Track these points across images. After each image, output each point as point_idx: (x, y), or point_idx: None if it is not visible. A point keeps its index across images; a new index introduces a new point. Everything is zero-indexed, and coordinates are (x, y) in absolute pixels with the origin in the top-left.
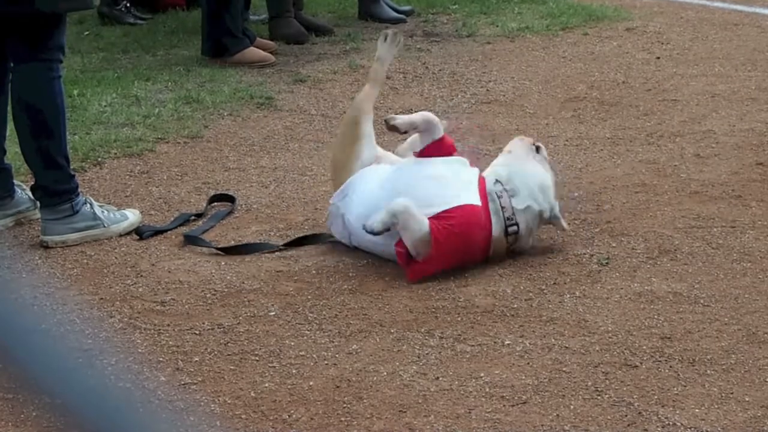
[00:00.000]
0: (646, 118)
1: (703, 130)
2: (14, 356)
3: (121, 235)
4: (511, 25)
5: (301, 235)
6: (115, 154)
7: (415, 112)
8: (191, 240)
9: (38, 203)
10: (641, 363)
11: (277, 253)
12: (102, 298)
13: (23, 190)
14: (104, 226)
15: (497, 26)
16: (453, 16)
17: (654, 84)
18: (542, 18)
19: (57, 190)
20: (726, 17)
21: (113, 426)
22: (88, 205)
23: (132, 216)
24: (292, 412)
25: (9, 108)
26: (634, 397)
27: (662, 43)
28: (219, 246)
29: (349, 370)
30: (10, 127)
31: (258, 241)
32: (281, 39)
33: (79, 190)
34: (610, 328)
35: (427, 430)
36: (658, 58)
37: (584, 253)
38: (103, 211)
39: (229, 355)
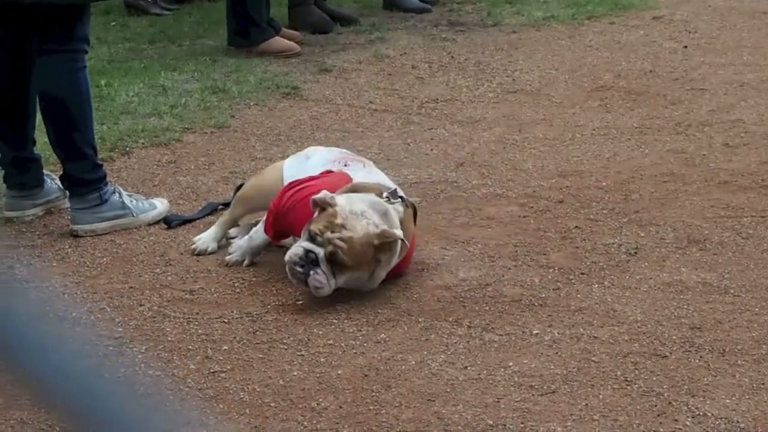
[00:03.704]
0: (673, 107)
1: (731, 119)
2: (44, 344)
3: (149, 225)
4: (537, 14)
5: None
6: (143, 143)
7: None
8: (169, 220)
9: (67, 193)
10: (671, 353)
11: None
12: (131, 287)
13: (53, 180)
14: (133, 216)
15: (523, 15)
16: (478, 5)
17: (682, 73)
18: (568, 7)
19: (84, 180)
20: (754, 5)
21: (142, 414)
22: (117, 194)
23: (160, 205)
24: (320, 400)
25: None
26: (664, 387)
27: (690, 32)
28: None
29: (377, 359)
30: (39, 117)
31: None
32: (306, 28)
33: (108, 179)
34: (639, 318)
35: (456, 419)
36: (686, 46)
37: (613, 243)
38: (131, 201)
39: (257, 343)
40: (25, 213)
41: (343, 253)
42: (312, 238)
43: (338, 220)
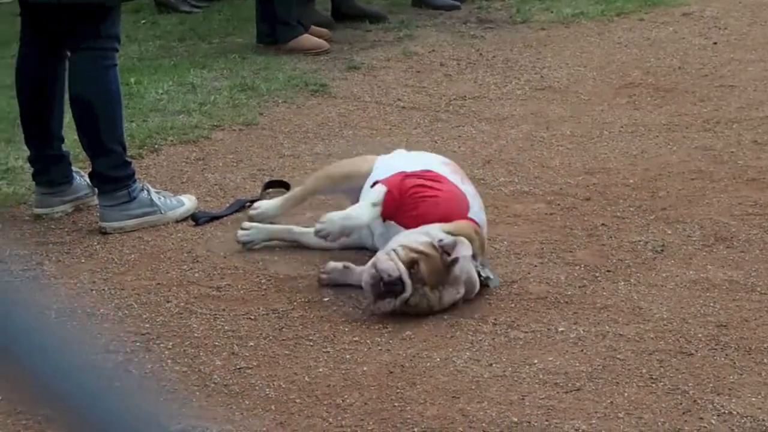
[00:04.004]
0: (702, 104)
1: (760, 116)
2: (70, 339)
3: (177, 221)
4: (566, 10)
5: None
6: (172, 141)
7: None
8: (197, 217)
9: (96, 190)
10: (696, 351)
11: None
12: (159, 284)
13: (81, 177)
14: (161, 213)
15: (552, 12)
16: (507, 2)
17: (711, 70)
18: (597, 3)
19: (113, 177)
20: None
21: (169, 409)
22: (145, 191)
23: (188, 202)
24: (345, 396)
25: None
26: (690, 385)
27: (719, 28)
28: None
29: (402, 356)
30: (69, 114)
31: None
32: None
33: (136, 176)
34: (665, 316)
35: (480, 416)
36: (715, 43)
37: (639, 240)
38: (159, 198)
39: (283, 340)
40: (54, 210)
41: (426, 309)
42: (411, 274)
43: (449, 279)
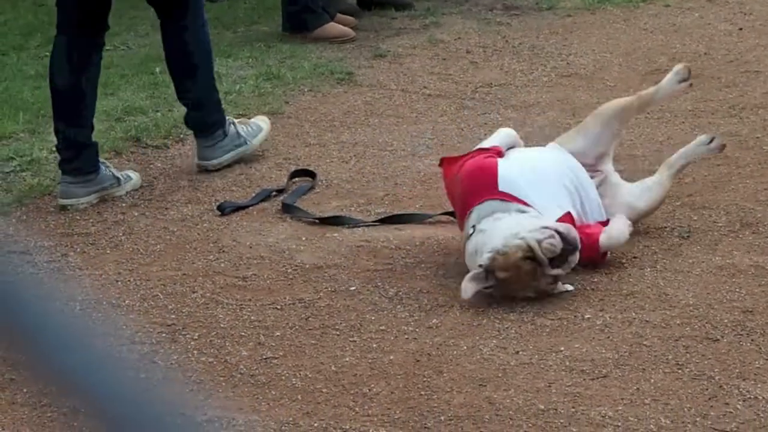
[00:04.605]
0: (728, 90)
1: None
2: (96, 329)
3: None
4: None
5: (400, 212)
6: None
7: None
8: (288, 208)
9: (123, 178)
10: (722, 336)
11: (357, 228)
12: (185, 274)
13: (107, 167)
14: (247, 143)
15: None
16: None
17: (736, 55)
18: None
19: (212, 121)
20: None
21: (195, 400)
22: (232, 125)
23: (264, 124)
24: (372, 386)
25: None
26: (715, 370)
27: (745, 14)
28: (315, 215)
29: (429, 345)
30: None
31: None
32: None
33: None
34: (691, 302)
35: (507, 403)
36: (741, 29)
37: (665, 227)
38: (242, 128)
39: (310, 329)
40: (80, 201)
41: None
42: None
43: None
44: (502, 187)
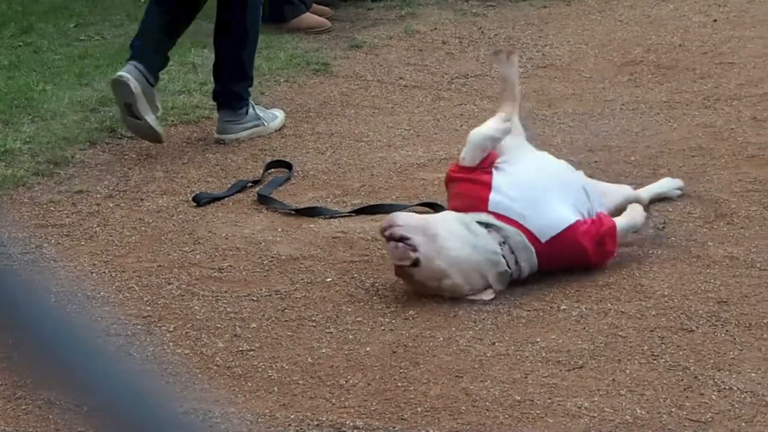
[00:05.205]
0: (702, 81)
1: (760, 93)
2: (73, 324)
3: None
4: None
5: (376, 203)
6: (173, 121)
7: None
8: (264, 200)
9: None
10: (697, 327)
11: (333, 219)
12: (160, 265)
13: (254, 108)
14: (264, 124)
15: None
16: None
17: (711, 47)
18: None
19: (241, 96)
20: None
21: (171, 392)
22: (251, 106)
23: (280, 114)
24: (349, 377)
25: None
26: (691, 361)
27: (719, 6)
28: (291, 207)
29: (405, 336)
30: None
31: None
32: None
33: None
34: (666, 293)
35: (484, 394)
36: (715, 20)
37: None
38: (261, 111)
39: (286, 321)
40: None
41: None
42: None
43: None
44: (491, 208)
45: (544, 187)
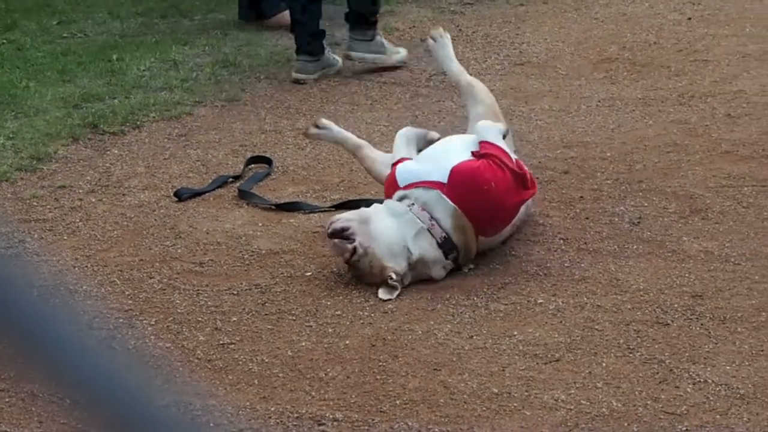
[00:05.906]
0: (677, 78)
1: (734, 90)
2: (55, 317)
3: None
4: None
5: (353, 198)
6: (154, 117)
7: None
8: (245, 195)
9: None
10: (672, 321)
11: (313, 214)
12: (142, 260)
13: (329, 51)
14: (387, 54)
15: None
16: None
17: (685, 45)
18: None
19: (369, 19)
20: None
21: (153, 385)
22: (380, 36)
23: (403, 51)
24: (328, 370)
25: None
26: (666, 354)
27: (694, 4)
28: (272, 202)
29: (384, 329)
30: None
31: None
32: None
33: None
34: (641, 287)
35: (461, 387)
36: (690, 18)
37: (616, 213)
38: (388, 44)
39: (266, 314)
40: (311, 76)
41: None
42: None
43: None
44: (401, 184)
45: (442, 149)
